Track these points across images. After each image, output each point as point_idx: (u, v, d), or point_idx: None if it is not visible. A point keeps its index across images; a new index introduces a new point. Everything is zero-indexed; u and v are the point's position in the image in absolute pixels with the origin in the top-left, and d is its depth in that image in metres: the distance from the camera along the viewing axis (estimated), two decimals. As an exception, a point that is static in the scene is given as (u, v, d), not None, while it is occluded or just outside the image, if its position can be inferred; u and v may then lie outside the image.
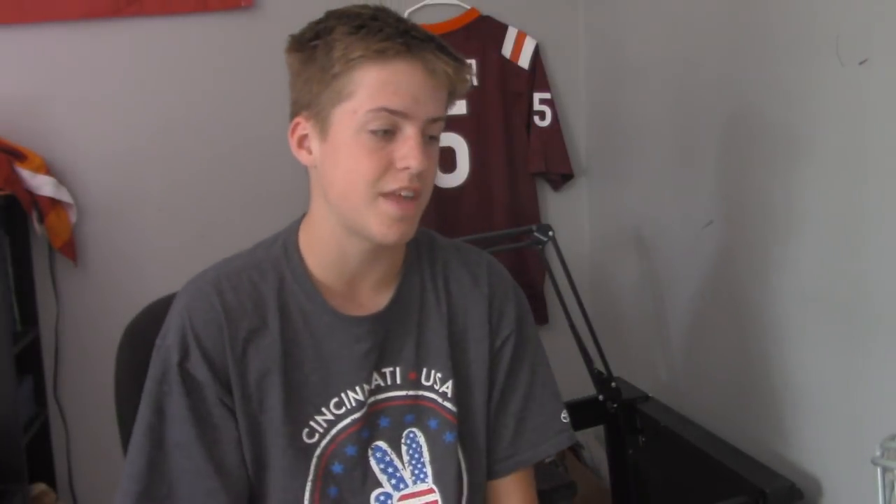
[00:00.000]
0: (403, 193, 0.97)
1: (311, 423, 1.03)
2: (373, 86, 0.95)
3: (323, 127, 0.99)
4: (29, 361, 2.17)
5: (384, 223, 0.98)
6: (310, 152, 1.02)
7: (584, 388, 2.01)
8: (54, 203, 2.14)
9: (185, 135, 2.30)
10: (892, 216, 1.44)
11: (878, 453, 1.12)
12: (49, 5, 2.15)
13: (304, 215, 1.09)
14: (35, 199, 2.11)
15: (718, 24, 1.89)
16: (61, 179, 2.18)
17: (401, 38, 0.95)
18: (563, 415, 1.17)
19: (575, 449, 2.44)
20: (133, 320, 1.17)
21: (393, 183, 0.97)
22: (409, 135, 0.97)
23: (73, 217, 2.20)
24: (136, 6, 2.21)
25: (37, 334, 2.20)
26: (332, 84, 0.97)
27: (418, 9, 2.41)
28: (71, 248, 2.22)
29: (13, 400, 1.96)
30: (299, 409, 1.03)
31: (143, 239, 2.30)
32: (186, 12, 2.25)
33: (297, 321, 1.04)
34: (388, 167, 0.97)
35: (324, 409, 1.04)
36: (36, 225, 2.13)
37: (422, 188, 0.99)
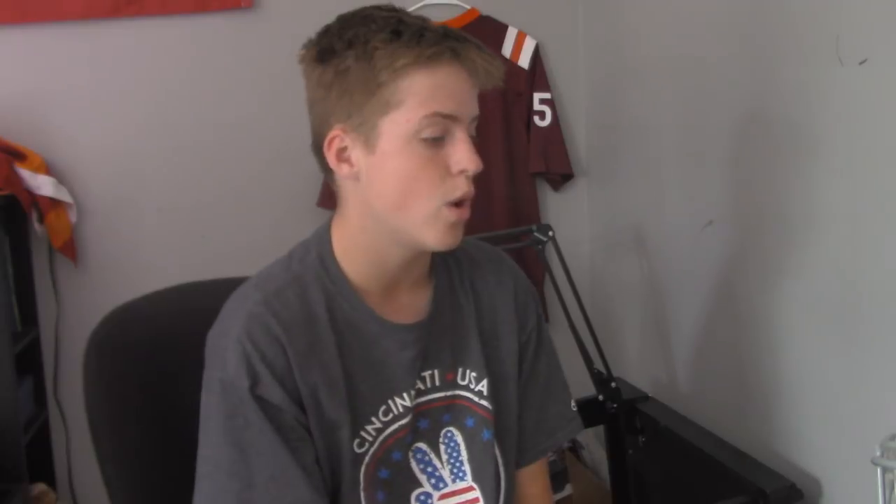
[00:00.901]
0: (463, 200, 0.99)
1: (362, 433, 1.02)
2: (423, 92, 0.95)
3: (368, 139, 0.97)
4: (29, 361, 2.17)
5: (442, 232, 0.99)
6: (351, 165, 1.00)
7: (584, 388, 2.01)
8: (54, 203, 2.14)
9: (185, 135, 2.30)
10: (891, 216, 1.44)
11: (878, 453, 1.11)
12: (49, 5, 2.15)
13: (330, 222, 1.07)
14: (35, 199, 2.11)
15: (718, 23, 1.89)
16: (61, 179, 2.18)
17: (446, 41, 0.95)
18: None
19: (575, 449, 2.44)
20: (96, 329, 1.13)
21: (455, 191, 0.98)
22: (460, 137, 0.97)
23: (73, 217, 2.20)
24: (136, 6, 2.21)
25: (37, 334, 2.20)
26: (377, 94, 0.95)
27: (418, 9, 2.41)
28: (71, 248, 2.22)
29: (13, 400, 1.96)
30: (361, 420, 1.02)
31: (143, 239, 2.30)
32: (186, 12, 2.25)
33: (346, 332, 1.02)
34: (445, 174, 0.97)
35: (373, 418, 1.03)
36: (36, 225, 2.13)
37: (472, 191, 1.00)
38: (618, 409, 1.98)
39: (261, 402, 0.95)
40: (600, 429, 2.19)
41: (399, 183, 0.97)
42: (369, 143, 0.97)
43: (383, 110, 0.95)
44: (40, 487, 2.08)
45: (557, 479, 1.76)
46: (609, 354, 1.99)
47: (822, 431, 1.65)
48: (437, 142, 0.96)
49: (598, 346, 1.97)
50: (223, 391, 0.97)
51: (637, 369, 2.28)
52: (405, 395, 1.04)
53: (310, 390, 0.98)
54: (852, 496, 1.57)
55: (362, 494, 1.01)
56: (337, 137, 0.99)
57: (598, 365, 1.98)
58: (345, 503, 1.01)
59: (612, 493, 2.13)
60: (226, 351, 0.97)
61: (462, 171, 0.97)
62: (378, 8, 0.99)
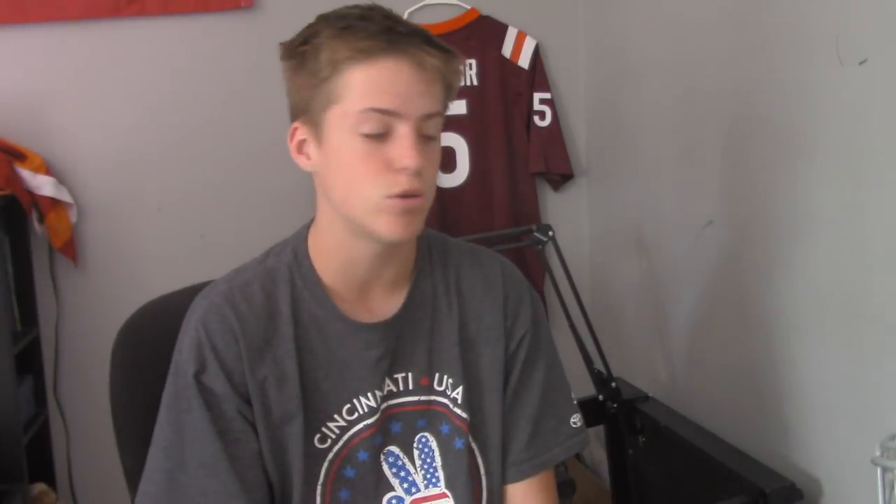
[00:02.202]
0: (405, 195, 0.95)
1: (323, 430, 1.02)
2: (360, 87, 0.94)
3: (318, 132, 0.99)
4: (29, 361, 2.17)
5: (388, 221, 0.95)
6: (309, 157, 1.01)
7: (584, 388, 2.01)
8: (54, 203, 2.14)
9: (185, 135, 2.30)
10: (891, 216, 1.44)
11: (878, 453, 1.11)
12: (49, 5, 2.15)
13: (312, 220, 1.08)
14: (35, 199, 2.11)
15: (718, 23, 1.89)
16: (61, 179, 2.18)
17: (385, 34, 0.94)
18: (573, 418, 1.16)
19: (575, 449, 2.44)
20: (128, 321, 1.15)
21: (394, 186, 0.94)
22: (403, 134, 0.94)
23: (73, 217, 2.20)
24: (136, 6, 2.21)
25: (37, 334, 2.21)
26: (321, 88, 0.96)
27: (418, 9, 2.42)
28: (71, 248, 2.22)
29: (13, 400, 1.96)
30: (312, 416, 1.02)
31: (143, 239, 2.30)
32: (186, 12, 2.26)
33: (309, 328, 1.03)
34: (385, 169, 0.95)
35: (336, 416, 1.03)
36: (36, 225, 2.13)
37: (422, 187, 0.96)
38: (618, 409, 1.98)
39: (203, 389, 0.98)
40: (600, 429, 2.19)
41: (343, 176, 0.97)
42: (319, 137, 0.99)
43: (327, 105, 0.96)
44: (40, 487, 2.08)
45: (561, 489, 1.74)
46: (609, 354, 1.99)
47: (822, 431, 1.65)
48: (379, 137, 0.95)
49: (598, 346, 1.97)
50: (175, 373, 1.00)
51: (637, 369, 2.28)
52: (370, 394, 1.04)
53: (258, 384, 0.99)
54: (852, 496, 1.57)
55: (319, 489, 1.02)
56: (297, 130, 1.02)
57: (598, 365, 1.98)
58: (298, 498, 1.01)
59: (612, 493, 2.13)
60: (184, 335, 1.01)
61: (403, 169, 0.95)
62: (356, 6, 0.98)
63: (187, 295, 1.19)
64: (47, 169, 2.15)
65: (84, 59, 2.22)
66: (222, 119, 2.32)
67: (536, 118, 2.51)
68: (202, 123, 2.31)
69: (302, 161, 1.02)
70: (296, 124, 1.01)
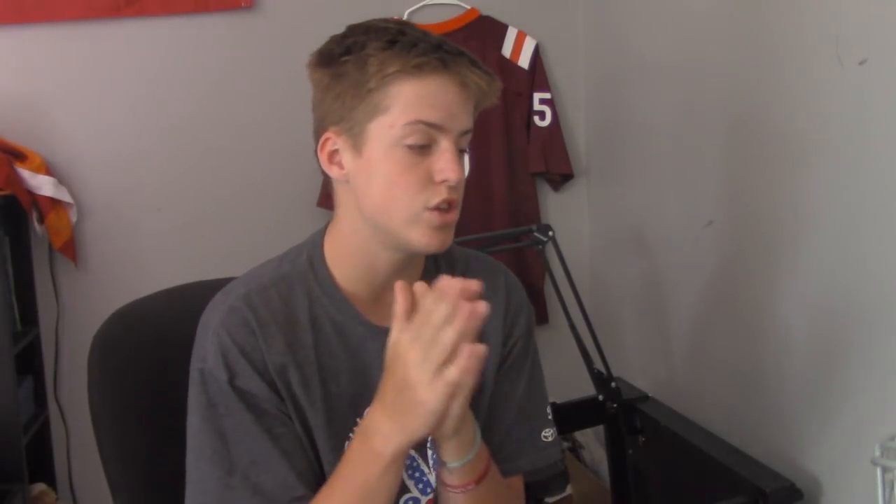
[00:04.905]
0: (444, 206, 0.98)
1: (351, 436, 1.02)
2: (409, 100, 0.96)
3: (357, 142, 0.99)
4: (29, 361, 2.17)
5: (426, 234, 0.99)
6: (341, 167, 1.02)
7: (584, 388, 2.01)
8: (54, 203, 2.14)
9: (185, 135, 2.30)
10: (891, 216, 1.44)
11: (878, 453, 1.12)
12: (49, 5, 2.15)
13: (326, 226, 1.08)
14: (35, 199, 2.11)
15: (718, 23, 1.89)
16: (61, 179, 2.18)
17: (436, 52, 0.96)
18: (545, 432, 1.16)
19: (575, 449, 2.45)
20: (100, 329, 1.14)
21: (435, 197, 0.98)
22: (445, 147, 0.98)
23: (73, 217, 2.20)
24: (136, 6, 2.21)
25: (37, 334, 2.21)
26: (366, 99, 0.97)
27: (418, 9, 2.41)
28: (71, 248, 2.22)
29: (13, 400, 1.96)
30: (341, 422, 1.02)
31: (143, 239, 2.30)
32: (186, 12, 2.25)
33: (329, 333, 1.03)
34: (426, 181, 0.98)
35: (358, 419, 1.03)
36: (36, 225, 2.13)
37: (459, 199, 1.01)
38: (618, 409, 1.98)
39: (240, 392, 0.97)
40: (600, 429, 2.19)
41: (382, 187, 0.99)
42: (357, 147, 1.00)
43: (371, 115, 0.98)
44: (40, 487, 2.08)
45: (559, 481, 1.75)
46: (609, 354, 1.99)
47: (822, 431, 1.65)
48: (421, 150, 0.98)
49: (598, 346, 1.97)
50: (202, 382, 0.99)
51: (637, 369, 2.28)
52: None
53: (284, 385, 0.99)
54: (852, 496, 1.57)
55: None
56: (329, 140, 1.02)
57: (598, 365, 1.98)
58: None
59: (612, 493, 2.13)
60: (205, 342, 0.99)
61: (444, 182, 0.98)
62: (385, 20, 1.00)
63: (159, 299, 1.20)
64: (47, 169, 2.15)
65: (84, 59, 2.22)
66: (222, 118, 2.32)
67: (536, 118, 2.51)
68: (202, 123, 2.31)
69: (334, 171, 1.03)
70: (328, 134, 1.02)
